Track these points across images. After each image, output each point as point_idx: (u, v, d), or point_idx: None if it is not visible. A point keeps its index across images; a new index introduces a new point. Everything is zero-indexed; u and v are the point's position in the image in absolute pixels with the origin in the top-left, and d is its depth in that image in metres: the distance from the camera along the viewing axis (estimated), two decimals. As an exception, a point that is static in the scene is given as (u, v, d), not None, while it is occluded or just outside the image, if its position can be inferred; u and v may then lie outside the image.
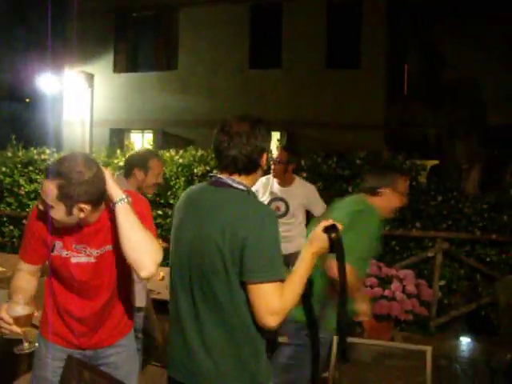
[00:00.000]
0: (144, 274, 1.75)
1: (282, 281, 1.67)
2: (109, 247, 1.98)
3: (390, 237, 4.93)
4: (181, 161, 5.53)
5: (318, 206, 4.11)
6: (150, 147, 5.80)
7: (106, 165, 5.72)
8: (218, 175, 1.81)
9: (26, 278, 2.06)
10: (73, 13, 12.27)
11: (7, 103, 22.19)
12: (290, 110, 10.57)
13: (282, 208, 4.08)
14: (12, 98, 22.22)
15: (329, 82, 10.55)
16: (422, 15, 12.23)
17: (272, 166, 4.14)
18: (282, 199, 4.08)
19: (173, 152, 5.70)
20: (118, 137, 10.82)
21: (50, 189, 1.76)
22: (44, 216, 1.93)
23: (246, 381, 1.75)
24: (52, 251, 1.98)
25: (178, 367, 1.85)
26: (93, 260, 1.97)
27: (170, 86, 11.67)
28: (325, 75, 10.68)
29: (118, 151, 5.97)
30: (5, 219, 6.21)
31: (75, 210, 1.80)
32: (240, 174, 1.80)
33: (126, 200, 1.81)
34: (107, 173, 1.87)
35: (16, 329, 1.81)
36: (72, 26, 12.46)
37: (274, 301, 1.63)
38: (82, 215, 1.82)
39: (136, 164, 3.15)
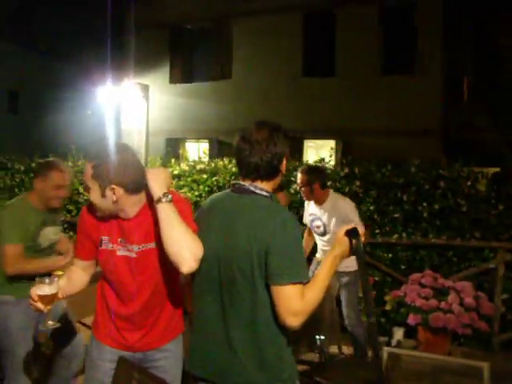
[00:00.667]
0: (185, 269, 1.76)
1: (305, 283, 1.71)
2: (151, 245, 2.03)
3: (447, 247, 4.77)
4: (234, 169, 5.58)
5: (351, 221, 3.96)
6: (206, 156, 5.92)
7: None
8: (241, 182, 1.87)
9: (77, 271, 2.19)
10: (130, 27, 12.68)
11: (69, 114, 23.13)
12: (344, 118, 10.46)
13: (321, 227, 4.09)
14: (74, 109, 23.14)
15: (383, 89, 10.36)
16: (480, 15, 11.81)
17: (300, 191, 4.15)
18: (319, 218, 4.09)
19: (226, 160, 5.76)
20: (173, 146, 11.02)
21: (87, 169, 1.91)
22: (91, 213, 2.06)
23: (271, 379, 1.79)
24: (100, 245, 2.09)
25: (200, 364, 1.91)
26: (134, 255, 2.03)
27: (225, 95, 11.83)
28: (379, 82, 10.49)
29: (173, 160, 6.10)
30: (65, 226, 6.44)
31: (108, 191, 1.90)
32: (262, 180, 1.86)
33: (167, 198, 1.83)
34: (154, 171, 1.94)
35: (40, 306, 1.89)
36: (130, 40, 12.86)
37: (296, 302, 1.67)
38: (114, 198, 1.91)
39: (37, 171, 3.05)
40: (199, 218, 1.95)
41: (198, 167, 5.70)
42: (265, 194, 1.85)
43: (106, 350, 2.16)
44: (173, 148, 10.48)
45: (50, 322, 1.97)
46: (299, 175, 4.09)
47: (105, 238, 2.08)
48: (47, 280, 1.90)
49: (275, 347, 1.80)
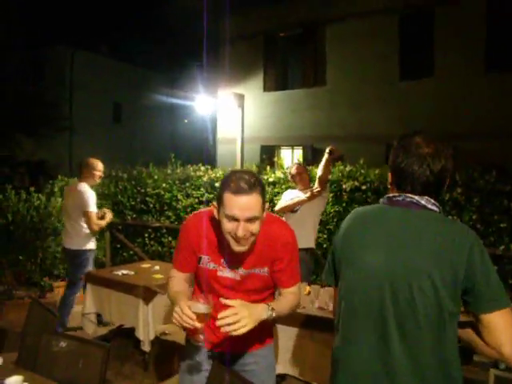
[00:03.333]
0: None
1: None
2: (258, 270, 2.07)
3: None
4: (329, 177, 5.51)
5: None
6: (301, 163, 5.90)
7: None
8: (408, 195, 1.68)
9: (181, 282, 2.18)
10: (225, 38, 13.02)
11: (168, 124, 24.14)
12: (444, 122, 9.99)
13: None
14: (171, 119, 24.14)
15: (488, 89, 9.76)
16: None
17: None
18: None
19: (321, 168, 5.70)
20: (268, 153, 11.14)
21: (256, 200, 1.85)
22: (198, 229, 2.08)
23: None
24: (199, 263, 2.12)
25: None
26: (238, 278, 2.06)
27: (319, 101, 11.77)
28: (484, 81, 9.89)
29: (268, 168, 6.14)
30: (164, 231, 6.71)
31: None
32: (430, 195, 1.68)
33: (271, 315, 1.92)
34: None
35: (197, 324, 1.84)
36: (223, 50, 13.20)
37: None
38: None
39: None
40: (348, 235, 1.76)
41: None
42: (436, 209, 1.67)
43: (201, 351, 2.22)
44: (268, 155, 10.59)
45: (201, 337, 1.94)
46: (296, 166, 4.82)
47: (205, 257, 2.10)
48: (201, 300, 1.88)
49: None
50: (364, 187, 5.29)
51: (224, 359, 2.17)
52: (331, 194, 5.43)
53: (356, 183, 5.33)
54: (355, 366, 1.64)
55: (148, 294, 4.16)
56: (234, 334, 1.75)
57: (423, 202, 1.65)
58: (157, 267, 4.90)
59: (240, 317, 1.76)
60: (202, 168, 6.65)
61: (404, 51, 10.87)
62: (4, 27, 12.43)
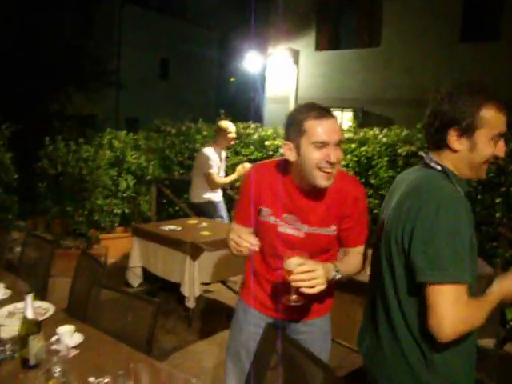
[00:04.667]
0: None
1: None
2: (324, 230, 1.94)
3: None
4: (384, 140, 5.27)
5: None
6: (353, 125, 5.67)
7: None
8: (425, 155, 1.63)
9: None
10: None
11: (215, 81, 24.01)
12: (507, 90, 9.39)
13: None
14: (219, 76, 23.96)
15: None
16: None
17: None
18: None
19: (377, 130, 5.46)
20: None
21: (337, 123, 1.82)
22: (259, 178, 1.97)
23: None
24: (259, 215, 1.99)
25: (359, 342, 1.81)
26: (301, 235, 1.93)
27: (372, 63, 11.29)
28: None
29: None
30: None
31: None
32: (436, 149, 1.60)
33: (336, 276, 1.82)
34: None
35: (255, 247, 1.76)
36: (275, 6, 12.79)
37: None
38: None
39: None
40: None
41: (346, 136, 5.47)
42: (437, 167, 1.56)
43: (253, 313, 2.13)
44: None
45: (294, 297, 1.77)
46: None
47: (265, 210, 1.98)
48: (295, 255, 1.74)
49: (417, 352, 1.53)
50: (421, 153, 5.02)
51: (277, 325, 2.03)
52: (386, 158, 5.19)
53: (413, 148, 5.06)
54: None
55: (195, 251, 4.12)
56: (308, 291, 1.65)
57: (427, 161, 1.58)
58: (204, 224, 4.85)
59: (316, 275, 1.65)
60: (252, 126, 6.49)
61: (468, 10, 10.14)
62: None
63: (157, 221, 6.82)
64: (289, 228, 1.96)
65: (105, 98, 15.48)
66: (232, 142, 5.27)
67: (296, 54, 5.03)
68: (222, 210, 5.37)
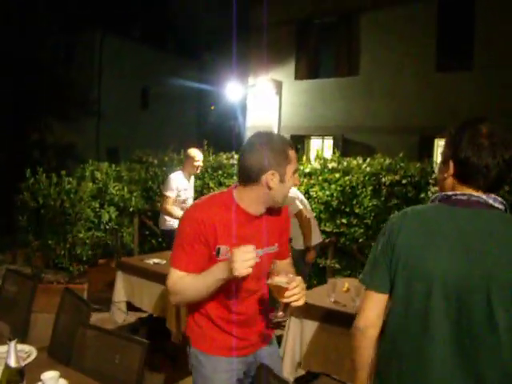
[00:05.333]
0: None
1: None
2: (271, 249, 2.02)
3: None
4: (368, 169, 5.31)
5: None
6: (336, 154, 5.71)
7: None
8: (474, 194, 1.48)
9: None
10: (257, 24, 12.79)
11: (195, 111, 24.13)
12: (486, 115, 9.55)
13: None
14: (199, 105, 24.11)
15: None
16: None
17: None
18: None
19: (360, 160, 5.50)
20: (298, 143, 10.92)
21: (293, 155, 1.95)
22: (211, 217, 1.87)
23: None
24: (217, 255, 1.89)
25: None
26: (257, 260, 1.81)
27: (351, 92, 11.49)
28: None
29: (304, 158, 5.98)
30: (194, 220, 6.57)
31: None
32: (497, 191, 1.51)
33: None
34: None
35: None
36: (255, 37, 12.98)
37: None
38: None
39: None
40: (409, 237, 1.51)
41: (330, 166, 5.50)
42: (502, 207, 1.49)
43: (221, 360, 2.03)
44: (298, 144, 10.40)
45: (281, 313, 1.86)
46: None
47: (223, 248, 1.89)
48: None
49: None
50: (404, 181, 5.06)
51: (244, 362, 2.07)
52: (370, 188, 5.22)
53: (396, 177, 5.10)
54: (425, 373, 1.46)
55: (181, 285, 4.04)
56: (298, 304, 1.79)
57: (491, 201, 1.46)
58: (189, 257, 4.77)
59: (303, 288, 1.81)
60: (236, 156, 6.50)
61: (442, 42, 10.42)
62: (37, 13, 12.45)
63: (139, 252, 6.72)
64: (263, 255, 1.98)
65: (85, 127, 15.42)
66: (197, 170, 5.28)
67: (279, 85, 5.05)
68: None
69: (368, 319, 1.58)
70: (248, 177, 1.88)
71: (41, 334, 2.82)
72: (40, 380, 1.94)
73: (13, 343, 1.73)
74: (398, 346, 1.52)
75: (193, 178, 5.40)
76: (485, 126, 1.48)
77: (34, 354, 2.32)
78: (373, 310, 1.58)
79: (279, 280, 1.77)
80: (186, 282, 1.88)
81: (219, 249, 1.89)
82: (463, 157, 1.48)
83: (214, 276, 1.81)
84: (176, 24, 22.39)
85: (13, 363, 1.72)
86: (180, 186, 5.14)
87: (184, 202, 5.18)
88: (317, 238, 4.84)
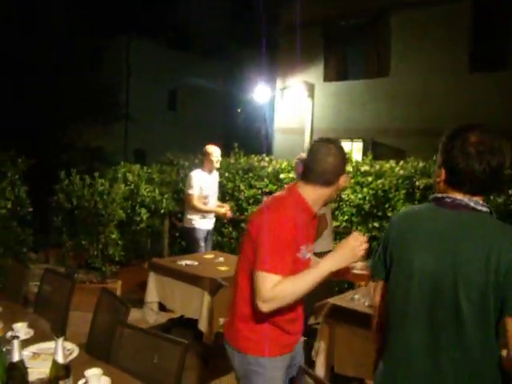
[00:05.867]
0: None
1: None
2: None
3: None
4: (401, 172, 5.24)
5: None
6: (368, 157, 5.64)
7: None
8: (458, 197, 1.64)
9: None
10: (284, 26, 12.79)
11: (222, 113, 24.24)
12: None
13: None
14: (226, 108, 24.21)
15: None
16: None
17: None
18: None
19: (393, 163, 5.44)
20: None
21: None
22: (293, 219, 1.95)
23: None
24: (303, 256, 2.04)
25: None
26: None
27: (381, 93, 11.35)
28: None
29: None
30: (225, 221, 6.59)
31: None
32: (482, 195, 1.66)
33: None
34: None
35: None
36: (283, 39, 12.97)
37: None
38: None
39: None
40: (400, 234, 1.74)
41: (363, 169, 5.45)
42: (486, 209, 1.63)
43: (278, 360, 2.09)
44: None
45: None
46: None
47: (303, 248, 2.00)
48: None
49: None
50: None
51: (291, 356, 2.17)
52: (403, 191, 5.15)
53: (430, 180, 5.02)
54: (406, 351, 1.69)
55: (213, 286, 4.06)
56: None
57: (472, 204, 1.61)
58: (221, 259, 4.80)
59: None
60: (267, 158, 6.50)
61: (476, 41, 10.21)
62: (65, 18, 12.69)
63: (169, 254, 6.78)
64: (310, 254, 2.13)
65: (113, 130, 15.60)
66: (217, 165, 5.40)
67: (311, 87, 5.00)
68: (204, 239, 5.47)
69: (375, 300, 1.92)
70: (327, 179, 2.02)
71: (76, 332, 2.87)
72: (83, 376, 1.98)
73: (60, 340, 1.77)
74: (388, 328, 1.77)
75: (216, 173, 5.53)
76: (474, 135, 1.61)
77: (76, 351, 2.36)
78: (377, 293, 1.88)
79: (360, 271, 2.07)
80: (288, 287, 1.87)
81: (302, 249, 2.01)
82: (453, 165, 1.63)
83: (322, 272, 1.89)
84: (203, 27, 22.52)
85: (60, 359, 1.76)
86: (202, 183, 5.31)
87: (206, 197, 5.35)
88: (325, 246, 4.78)
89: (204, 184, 5.32)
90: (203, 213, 5.34)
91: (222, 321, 4.30)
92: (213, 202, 5.45)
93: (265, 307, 1.87)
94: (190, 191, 5.27)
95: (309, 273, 1.90)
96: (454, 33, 10.29)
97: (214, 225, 5.61)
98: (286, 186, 2.20)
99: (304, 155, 5.06)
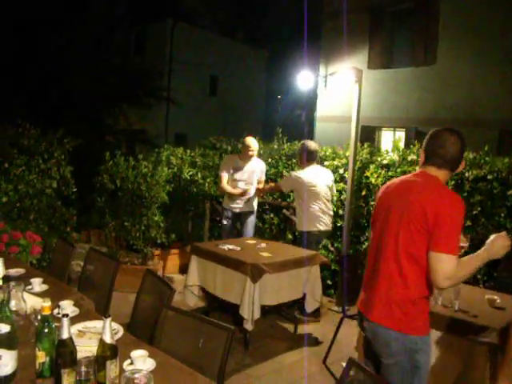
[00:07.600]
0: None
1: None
2: None
3: None
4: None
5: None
6: (415, 146, 5.44)
7: (369, 163, 5.56)
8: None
9: None
10: (328, 12, 12.54)
11: (263, 98, 24.12)
12: None
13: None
14: (267, 93, 24.09)
15: None
16: None
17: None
18: None
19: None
20: (368, 134, 10.58)
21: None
22: None
23: None
24: None
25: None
26: None
27: (427, 81, 10.99)
28: None
29: (383, 149, 5.73)
30: (266, 207, 6.54)
31: None
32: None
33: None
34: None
35: None
36: (327, 25, 12.73)
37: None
38: None
39: None
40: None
41: (409, 158, 5.27)
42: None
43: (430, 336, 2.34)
44: (367, 136, 10.08)
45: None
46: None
47: None
48: None
49: None
50: (490, 177, 4.75)
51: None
52: (452, 182, 4.96)
53: (481, 172, 4.81)
54: None
55: (256, 272, 4.02)
56: None
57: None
58: (263, 244, 4.76)
59: None
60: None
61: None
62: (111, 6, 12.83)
63: (209, 238, 6.78)
64: None
65: (155, 113, 15.74)
66: (251, 158, 5.58)
67: (359, 74, 4.85)
68: (232, 220, 5.74)
69: None
70: (456, 165, 2.31)
71: (117, 312, 2.87)
72: (128, 357, 1.97)
73: (108, 320, 1.75)
74: None
75: (254, 163, 5.64)
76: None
77: (121, 331, 2.35)
78: None
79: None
80: (463, 267, 2.13)
81: None
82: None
83: (483, 260, 2.17)
84: (245, 12, 22.40)
85: (108, 339, 1.74)
86: (234, 167, 5.58)
87: (235, 181, 5.59)
88: (310, 226, 5.03)
89: (236, 169, 5.58)
90: (228, 194, 5.63)
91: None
92: (243, 188, 5.58)
93: (446, 283, 2.11)
94: (221, 173, 5.62)
95: (476, 258, 2.16)
96: (505, 19, 9.82)
97: (250, 208, 5.70)
98: (417, 170, 2.41)
99: (310, 142, 5.26)
